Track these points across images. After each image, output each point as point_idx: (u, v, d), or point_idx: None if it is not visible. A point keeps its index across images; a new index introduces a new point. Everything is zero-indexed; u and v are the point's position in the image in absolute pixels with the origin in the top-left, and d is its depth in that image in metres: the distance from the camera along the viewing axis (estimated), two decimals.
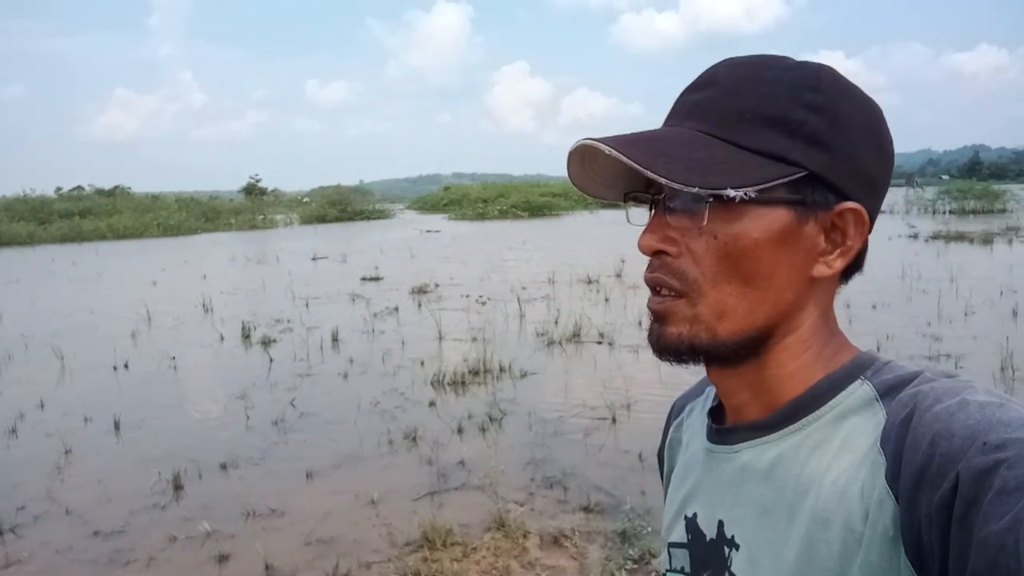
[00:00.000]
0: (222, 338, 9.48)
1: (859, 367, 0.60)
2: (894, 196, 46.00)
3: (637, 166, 0.55)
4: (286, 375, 7.59)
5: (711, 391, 0.74)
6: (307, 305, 11.87)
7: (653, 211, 0.63)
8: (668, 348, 0.62)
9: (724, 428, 0.67)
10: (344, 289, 13.54)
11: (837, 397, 0.59)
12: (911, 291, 11.12)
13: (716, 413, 0.71)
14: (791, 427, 0.60)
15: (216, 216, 39.39)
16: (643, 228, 0.63)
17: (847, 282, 0.65)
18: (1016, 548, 0.41)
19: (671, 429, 0.82)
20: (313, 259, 19.63)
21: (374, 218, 46.12)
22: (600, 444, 5.35)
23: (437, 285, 13.56)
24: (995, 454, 0.45)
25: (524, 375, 7.28)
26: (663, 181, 0.55)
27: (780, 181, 0.57)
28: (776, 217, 0.58)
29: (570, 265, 15.65)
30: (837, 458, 0.56)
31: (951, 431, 0.48)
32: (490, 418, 5.94)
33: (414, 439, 5.54)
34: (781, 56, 0.62)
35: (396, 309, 11.15)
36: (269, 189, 54.04)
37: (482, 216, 41.61)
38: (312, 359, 8.21)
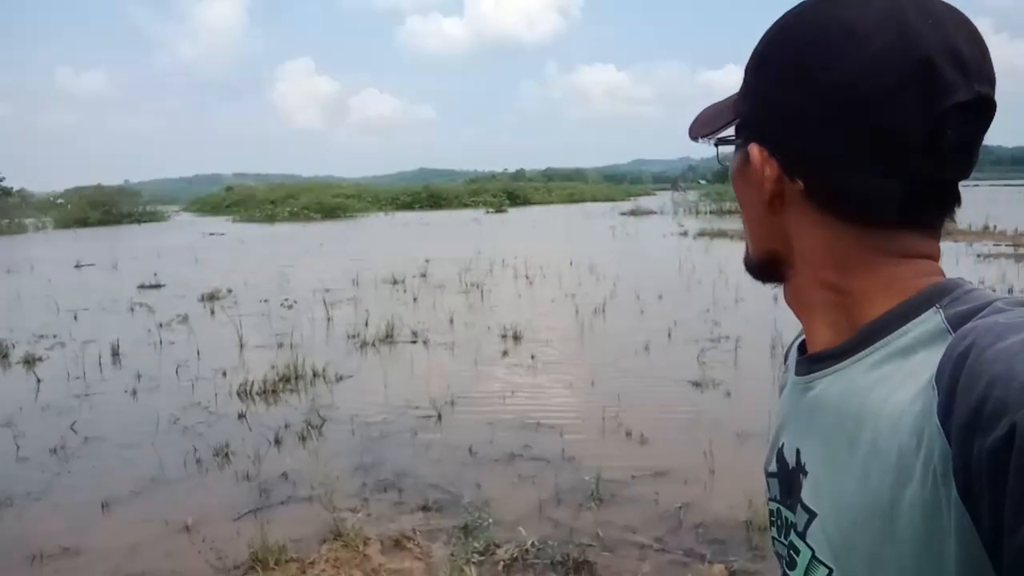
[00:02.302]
0: None
1: (937, 294, 0.58)
2: (663, 199, 50.68)
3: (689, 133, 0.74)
4: (60, 397, 6.64)
5: None
6: (76, 317, 10.51)
7: None
8: (745, 265, 0.74)
9: (804, 358, 0.68)
10: (120, 298, 12.18)
11: (907, 325, 0.58)
12: (688, 282, 12.26)
13: (804, 346, 0.72)
14: (857, 356, 0.60)
15: None
16: None
17: (874, 224, 0.60)
18: None
19: (783, 373, 0.82)
20: (77, 266, 17.46)
21: (145, 221, 42.08)
22: (429, 442, 5.28)
23: (230, 290, 12.64)
24: None
25: (340, 379, 6.99)
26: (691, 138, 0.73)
27: (718, 128, 0.69)
28: (736, 159, 0.69)
29: (373, 266, 15.36)
30: (898, 390, 0.55)
31: (1011, 374, 0.45)
32: (309, 425, 5.63)
33: (226, 455, 5.10)
34: (801, 3, 0.63)
35: (186, 317, 10.23)
36: (14, 189, 47.23)
37: (271, 218, 39.58)
38: (90, 377, 7.26)
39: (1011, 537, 0.44)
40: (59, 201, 45.49)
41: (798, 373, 0.68)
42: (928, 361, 0.55)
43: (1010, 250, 15.48)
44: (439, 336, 8.66)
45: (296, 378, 6.92)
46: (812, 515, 0.61)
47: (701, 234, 22.87)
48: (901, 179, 0.57)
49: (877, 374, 0.58)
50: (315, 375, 7.02)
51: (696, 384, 6.42)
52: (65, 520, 4.17)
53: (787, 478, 0.68)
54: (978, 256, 14.56)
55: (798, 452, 0.66)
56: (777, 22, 0.63)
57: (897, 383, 0.56)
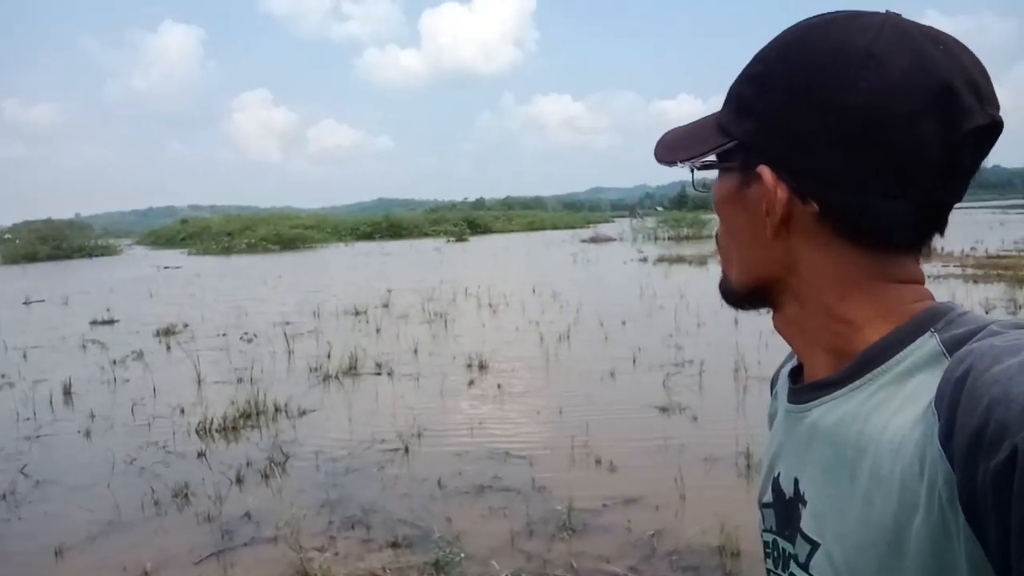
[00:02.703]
0: None
1: (931, 319, 0.59)
2: (622, 226, 51.29)
3: (655, 156, 0.70)
4: (9, 438, 6.38)
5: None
6: (25, 356, 10.16)
7: None
8: (720, 291, 0.71)
9: (799, 387, 0.67)
10: (71, 335, 11.82)
11: (904, 351, 0.58)
12: (650, 308, 12.37)
13: (795, 373, 0.72)
14: (856, 383, 0.60)
15: None
16: None
17: (879, 247, 0.61)
18: None
19: (771, 402, 0.82)
20: (26, 303, 16.91)
21: (97, 255, 41.12)
22: (396, 475, 5.18)
23: (187, 325, 12.36)
24: None
25: (303, 413, 6.85)
26: (658, 161, 0.69)
27: (710, 151, 0.65)
28: (726, 182, 0.66)
29: (334, 297, 15.19)
30: (897, 415, 0.55)
31: (1009, 397, 0.45)
32: (272, 463, 5.49)
33: (186, 496, 4.93)
34: (797, 25, 0.63)
35: (140, 354, 9.95)
36: None
37: (228, 250, 38.97)
38: (41, 417, 7.00)
39: (1020, 561, 0.44)
40: (7, 236, 44.20)
41: (792, 401, 0.68)
42: (926, 385, 0.55)
43: (958, 270, 15.98)
44: (404, 367, 8.57)
45: (257, 414, 6.76)
46: (815, 545, 0.60)
47: (661, 260, 23.18)
48: (916, 202, 0.58)
49: (875, 400, 0.58)
50: (277, 410, 6.86)
51: (663, 409, 6.45)
52: (16, 570, 3.99)
53: (784, 508, 0.67)
54: (928, 277, 14.93)
55: (796, 481, 0.65)
56: (777, 44, 0.62)
57: (896, 409, 0.56)
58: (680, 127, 0.71)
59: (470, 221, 58.41)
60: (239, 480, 5.19)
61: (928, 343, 0.58)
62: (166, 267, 28.40)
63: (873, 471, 0.55)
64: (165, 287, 19.79)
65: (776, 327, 0.69)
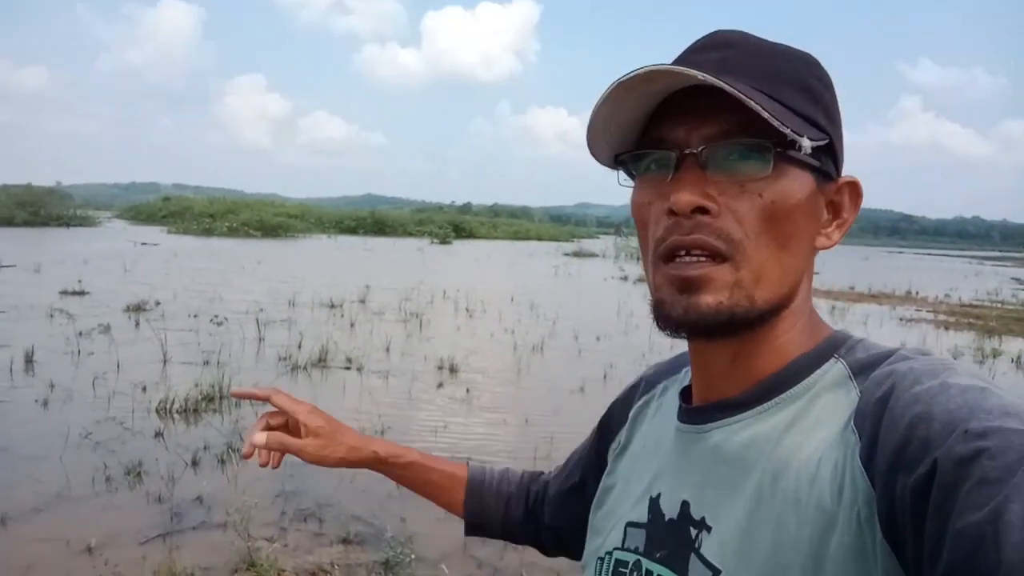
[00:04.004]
0: None
1: (833, 345, 0.61)
2: (606, 243, 51.50)
3: (751, 102, 0.52)
4: None
5: (687, 371, 0.72)
6: None
7: (678, 169, 0.58)
8: (702, 321, 0.57)
9: (694, 407, 0.66)
10: (38, 303, 11.58)
11: (812, 376, 0.59)
12: (626, 326, 12.41)
13: (685, 392, 0.70)
14: (764, 406, 0.60)
15: None
16: (647, 186, 0.62)
17: None
18: (996, 539, 0.40)
19: (637, 403, 0.79)
20: None
21: (75, 225, 40.53)
22: (354, 472, 5.13)
23: (158, 303, 12.19)
24: (976, 442, 0.44)
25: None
26: (775, 123, 0.53)
27: (822, 142, 0.58)
28: (807, 181, 0.59)
29: (312, 288, 15.07)
30: (809, 437, 0.56)
31: (931, 414, 0.47)
32: (230, 448, 5.40)
33: (138, 474, 4.84)
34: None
35: (108, 328, 9.78)
36: None
37: (208, 232, 38.56)
38: None
39: (930, 571, 0.44)
40: None
41: (686, 421, 0.66)
42: (834, 407, 0.56)
43: (930, 315, 16.21)
44: (374, 364, 8.51)
45: (220, 398, 6.67)
46: (715, 572, 0.58)
47: (641, 279, 23.25)
48: None
49: (785, 423, 0.58)
50: None
51: None
52: None
53: (662, 530, 0.65)
54: (900, 320, 15.20)
55: (685, 504, 0.63)
56: (813, 60, 0.62)
57: (807, 431, 0.56)
58: (753, 90, 0.56)
59: (456, 225, 58.34)
60: (195, 463, 5.12)
61: (835, 367, 0.59)
62: (143, 243, 28.03)
63: (786, 494, 0.55)
64: (140, 263, 19.51)
65: (707, 349, 0.63)
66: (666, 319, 0.59)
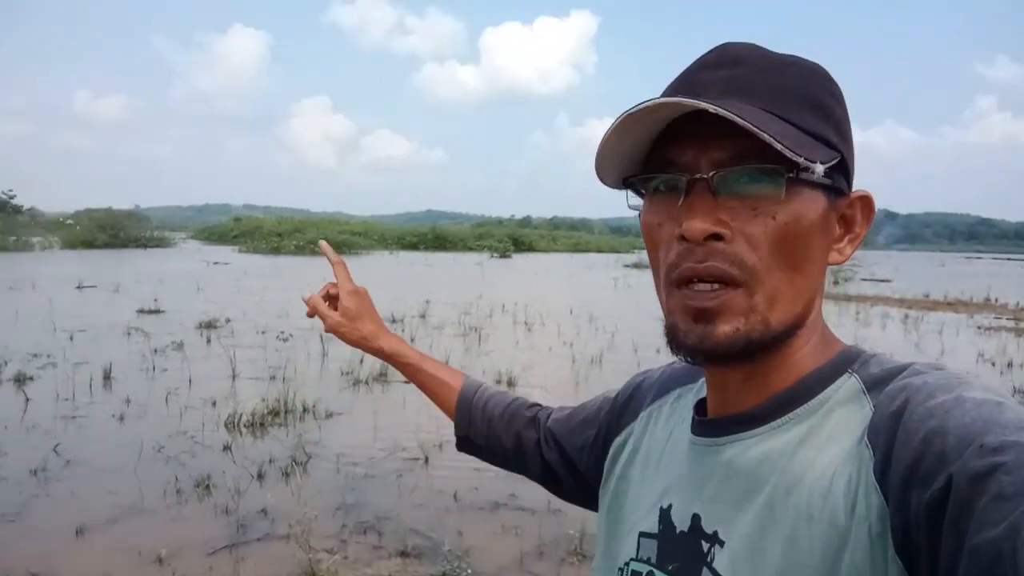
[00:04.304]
0: None
1: (847, 360, 0.60)
2: None
3: (753, 126, 0.51)
4: (47, 417, 6.58)
5: (703, 383, 0.71)
6: (71, 338, 10.48)
7: (689, 194, 0.57)
8: (718, 350, 0.57)
9: (708, 420, 0.65)
10: (117, 321, 12.15)
11: (826, 391, 0.59)
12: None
13: (699, 405, 0.70)
14: (778, 421, 0.59)
15: None
16: (657, 207, 0.61)
17: None
18: (1014, 556, 0.40)
19: (649, 406, 0.79)
20: (79, 287, 17.49)
21: (151, 246, 42.43)
22: (413, 485, 5.19)
23: (228, 320, 12.64)
24: (992, 457, 0.43)
25: (330, 415, 6.93)
26: (788, 153, 0.52)
27: (834, 163, 0.57)
28: (819, 201, 0.58)
29: (374, 303, 15.34)
30: (822, 452, 0.55)
31: (945, 429, 0.47)
32: (294, 462, 5.55)
33: (207, 487, 5.01)
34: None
35: (181, 344, 10.19)
36: (25, 208, 47.66)
37: (276, 250, 39.80)
38: (79, 399, 7.21)
39: None
40: (68, 221, 45.93)
41: (700, 435, 0.66)
42: (847, 422, 0.56)
43: (1011, 323, 15.42)
44: None
45: (285, 412, 6.86)
46: None
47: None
48: None
49: (799, 438, 0.58)
50: (305, 410, 6.95)
51: None
52: (38, 544, 4.09)
53: (672, 542, 0.65)
54: (979, 328, 14.51)
55: (696, 517, 0.63)
56: (824, 72, 0.62)
57: (820, 446, 0.56)
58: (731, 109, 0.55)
59: (515, 238, 58.67)
60: (260, 476, 5.26)
61: (848, 382, 0.59)
62: (215, 262, 29.11)
63: (799, 509, 0.54)
64: (212, 282, 20.27)
65: (725, 369, 0.61)
66: (680, 345, 0.59)
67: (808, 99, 0.58)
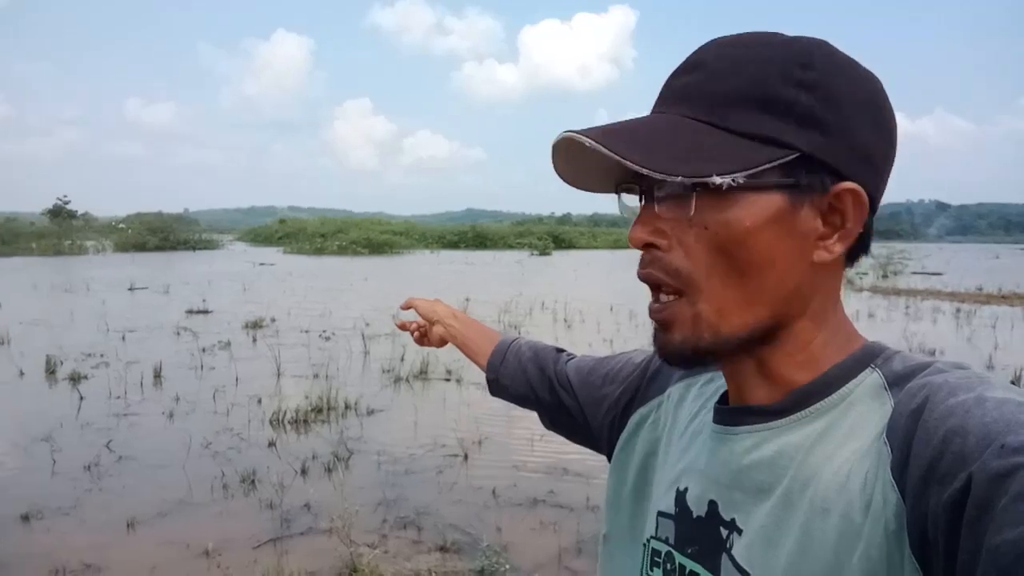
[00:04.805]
0: (21, 373, 8.38)
1: (869, 355, 0.59)
2: None
3: (617, 156, 0.53)
4: (100, 415, 6.81)
5: None
6: (123, 338, 10.82)
7: (643, 202, 0.60)
8: (674, 357, 0.60)
9: (729, 409, 0.65)
10: (167, 322, 12.51)
11: (847, 386, 0.58)
12: None
13: (723, 392, 0.69)
14: (799, 414, 0.59)
15: (14, 239, 35.35)
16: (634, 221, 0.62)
17: (852, 265, 0.63)
18: None
19: (678, 383, 0.78)
20: (130, 289, 18.05)
21: (200, 248, 43.51)
22: (453, 481, 5.24)
23: (274, 320, 12.89)
24: (1014, 458, 0.42)
25: (371, 412, 7.03)
26: (644, 171, 0.53)
27: (770, 165, 0.54)
28: (769, 203, 0.55)
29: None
30: (841, 447, 0.55)
31: (966, 428, 0.46)
32: (336, 457, 5.65)
33: (252, 482, 5.13)
34: (771, 33, 0.60)
35: (228, 344, 10.44)
36: (79, 213, 49.32)
37: (320, 251, 40.46)
38: (131, 397, 7.44)
39: None
40: (120, 226, 47.40)
41: (721, 423, 0.65)
42: (867, 418, 0.56)
43: None
44: (473, 375, 8.64)
45: (328, 409, 6.97)
46: (745, 575, 0.58)
47: None
48: None
49: (818, 433, 0.57)
50: (347, 407, 7.07)
51: None
52: (91, 536, 4.24)
53: (689, 527, 0.65)
54: None
55: (713, 504, 0.63)
56: (819, 54, 0.57)
57: (840, 441, 0.56)
58: (632, 127, 0.58)
59: (555, 236, 58.58)
60: (304, 472, 5.37)
61: (870, 377, 0.58)
62: (261, 263, 29.73)
63: (814, 503, 0.54)
64: (258, 282, 20.71)
65: (727, 363, 0.63)
66: (656, 351, 0.62)
67: (760, 98, 0.56)
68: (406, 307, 1.28)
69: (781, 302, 0.58)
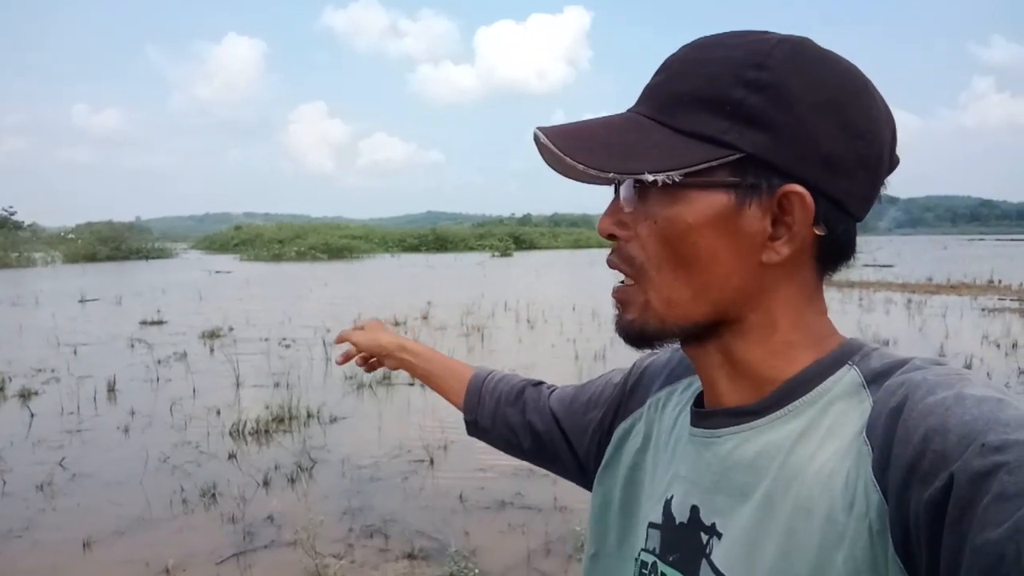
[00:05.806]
0: None
1: (847, 353, 0.59)
2: None
3: (560, 153, 0.57)
4: (52, 432, 6.58)
5: None
6: (75, 352, 10.49)
7: (614, 196, 0.63)
8: (626, 334, 0.64)
9: (705, 412, 0.65)
10: (120, 334, 12.17)
11: (824, 384, 0.58)
12: None
13: (698, 396, 0.69)
14: (777, 413, 0.59)
15: None
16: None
17: (832, 272, 0.62)
18: (1017, 557, 0.39)
19: (658, 392, 0.78)
20: (81, 301, 17.51)
21: (153, 257, 42.54)
22: (419, 487, 5.19)
23: (231, 329, 12.64)
24: (994, 456, 0.42)
25: (334, 420, 6.93)
26: (580, 167, 0.56)
27: (707, 164, 0.55)
28: (713, 201, 0.56)
29: (376, 307, 15.38)
30: (821, 447, 0.55)
31: (946, 427, 0.46)
32: (299, 467, 5.55)
33: (213, 496, 5.01)
34: (744, 32, 0.59)
35: (184, 355, 10.20)
36: (26, 224, 47.80)
37: (278, 257, 39.88)
38: (84, 412, 7.21)
39: None
40: (70, 236, 46.05)
41: (699, 426, 0.65)
42: (847, 416, 0.55)
43: (1015, 304, 15.37)
44: None
45: (290, 419, 6.86)
46: None
47: None
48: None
49: (798, 432, 0.57)
50: (309, 416, 6.96)
51: None
52: (45, 558, 4.09)
53: (673, 534, 0.65)
54: (982, 310, 14.46)
55: (695, 509, 0.63)
56: (778, 54, 0.56)
57: (820, 440, 0.56)
58: (589, 126, 0.60)
59: (516, 237, 58.71)
60: (266, 483, 5.26)
61: (848, 375, 0.58)
62: (217, 271, 29.17)
63: (797, 503, 0.54)
64: (214, 291, 20.30)
65: (696, 357, 0.64)
66: (615, 327, 0.66)
67: (707, 99, 0.56)
68: (339, 341, 1.22)
69: (727, 299, 0.59)
